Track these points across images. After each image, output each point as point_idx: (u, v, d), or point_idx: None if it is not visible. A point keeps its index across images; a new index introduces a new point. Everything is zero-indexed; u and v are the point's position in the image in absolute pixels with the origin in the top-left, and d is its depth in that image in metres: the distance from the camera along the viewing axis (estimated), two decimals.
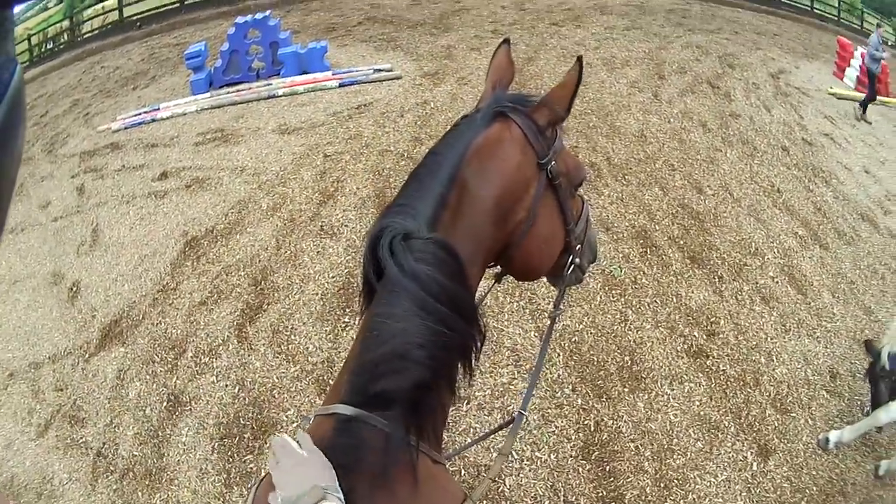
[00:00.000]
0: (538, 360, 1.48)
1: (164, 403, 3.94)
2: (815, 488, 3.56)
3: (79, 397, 4.20)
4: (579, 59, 1.26)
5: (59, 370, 4.44)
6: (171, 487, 3.49)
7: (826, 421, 3.97)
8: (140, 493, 3.51)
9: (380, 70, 8.07)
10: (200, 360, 4.16)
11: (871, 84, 9.92)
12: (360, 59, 8.88)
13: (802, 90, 9.78)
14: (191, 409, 3.87)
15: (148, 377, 4.15)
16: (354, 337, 1.06)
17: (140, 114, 8.25)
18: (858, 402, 4.17)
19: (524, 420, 1.39)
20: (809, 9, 17.45)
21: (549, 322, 1.50)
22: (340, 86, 7.82)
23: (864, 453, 3.89)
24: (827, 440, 3.70)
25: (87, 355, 4.48)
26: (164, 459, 3.64)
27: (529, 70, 7.94)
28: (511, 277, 1.43)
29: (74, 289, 5.15)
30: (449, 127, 1.22)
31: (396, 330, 0.97)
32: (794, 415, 3.94)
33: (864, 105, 9.67)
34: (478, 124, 1.15)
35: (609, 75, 7.92)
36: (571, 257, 1.38)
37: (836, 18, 17.70)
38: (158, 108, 8.20)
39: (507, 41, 1.37)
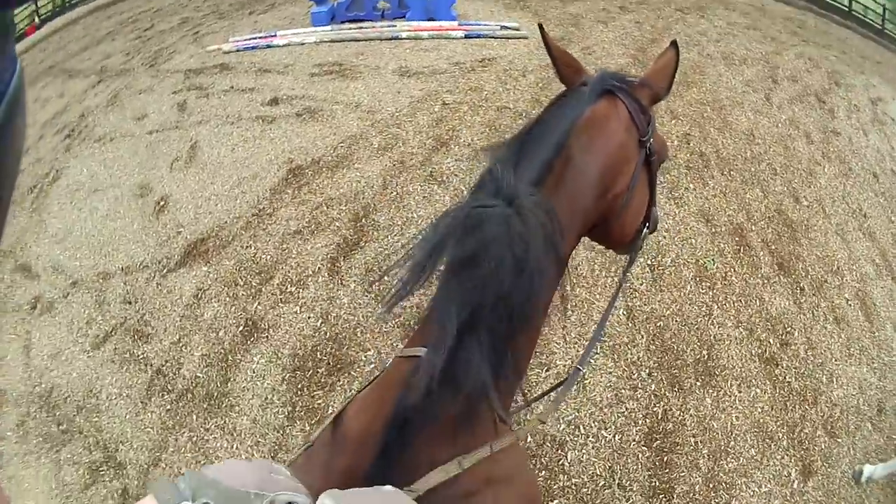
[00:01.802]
0: (602, 320, 1.25)
1: (241, 328, 3.33)
2: None
3: (148, 312, 3.59)
4: (674, 42, 1.19)
5: (132, 283, 3.81)
6: (229, 414, 2.96)
7: (865, 453, 3.36)
8: (195, 416, 3.00)
9: (507, 27, 6.86)
10: (287, 288, 3.50)
11: None
12: (488, 13, 7.76)
13: None
14: (267, 337, 3.27)
15: (228, 299, 3.51)
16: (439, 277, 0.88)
17: (255, 38, 7.00)
18: (895, 442, 3.50)
19: (581, 375, 1.26)
20: None
21: (618, 285, 1.29)
22: (466, 37, 6.60)
23: (889, 494, 3.29)
24: (861, 472, 3.17)
25: (165, 270, 3.82)
26: (229, 385, 3.09)
27: (652, 51, 6.70)
28: (609, 253, 1.28)
29: (162, 203, 4.38)
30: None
31: (486, 281, 0.82)
32: (839, 440, 3.31)
33: None
34: (586, 99, 1.01)
35: (727, 70, 6.71)
36: (646, 228, 1.21)
37: None
38: (275, 35, 6.98)
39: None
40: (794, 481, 3.00)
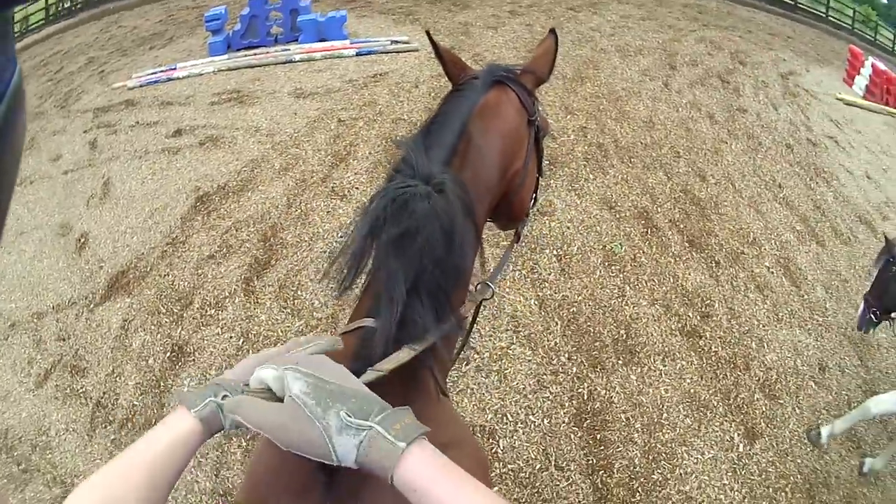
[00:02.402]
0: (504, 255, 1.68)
1: (168, 353, 3.98)
2: (799, 477, 3.61)
3: (81, 347, 4.22)
4: (552, 30, 1.50)
5: (63, 320, 4.46)
6: None
7: (813, 411, 4.03)
8: None
9: (397, 41, 8.17)
10: (206, 311, 4.21)
11: None
12: (378, 30, 8.98)
13: (811, 93, 9.80)
14: (194, 360, 3.91)
15: (153, 328, 4.19)
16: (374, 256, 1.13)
17: (156, 72, 8.28)
18: (846, 397, 4.24)
19: (490, 293, 1.47)
20: (824, 16, 17.48)
21: (510, 244, 1.68)
22: (357, 55, 7.92)
23: (850, 448, 3.94)
24: (819, 434, 3.72)
25: (91, 305, 4.50)
26: (165, 409, 3.66)
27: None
28: (515, 247, 1.72)
29: (82, 240, 5.17)
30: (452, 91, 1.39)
31: (422, 251, 1.06)
32: (781, 401, 4.00)
33: None
34: (479, 90, 1.30)
35: (622, 62, 7.96)
36: (535, 199, 1.59)
37: (849, 27, 17.72)
38: (175, 68, 8.26)
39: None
40: (738, 445, 3.60)
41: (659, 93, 7.20)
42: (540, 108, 1.46)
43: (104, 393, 3.87)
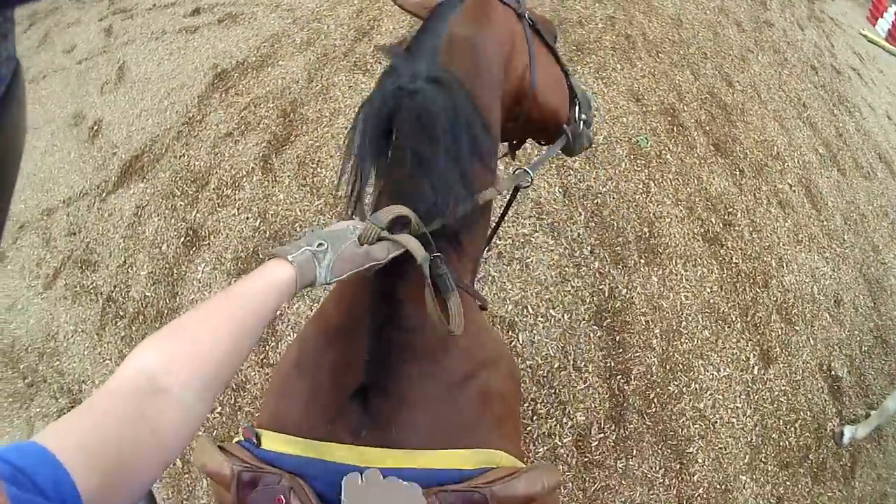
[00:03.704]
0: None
1: (182, 239, 3.92)
2: (809, 414, 3.70)
3: (92, 240, 4.16)
4: None
5: (74, 213, 4.39)
6: None
7: (826, 345, 4.12)
8: None
9: None
10: (223, 192, 4.15)
11: None
12: None
13: (836, 21, 9.82)
14: (209, 244, 3.85)
15: (167, 212, 4.13)
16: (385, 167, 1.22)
17: None
18: (858, 338, 4.34)
19: (529, 180, 1.56)
20: None
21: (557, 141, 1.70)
22: None
23: (859, 394, 4.07)
24: (842, 434, 3.75)
25: (104, 194, 4.44)
26: (178, 299, 3.63)
27: None
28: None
29: (95, 128, 5.08)
30: None
31: (431, 159, 1.14)
32: (797, 328, 4.07)
33: None
34: (454, 2, 1.36)
35: None
36: (579, 107, 1.69)
37: None
38: None
39: None
40: (753, 367, 3.68)
41: None
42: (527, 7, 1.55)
43: (115, 287, 3.83)
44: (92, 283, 3.89)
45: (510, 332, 3.28)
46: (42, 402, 3.47)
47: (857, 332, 4.36)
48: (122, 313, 3.67)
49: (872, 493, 3.68)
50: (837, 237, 4.99)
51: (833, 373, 4.00)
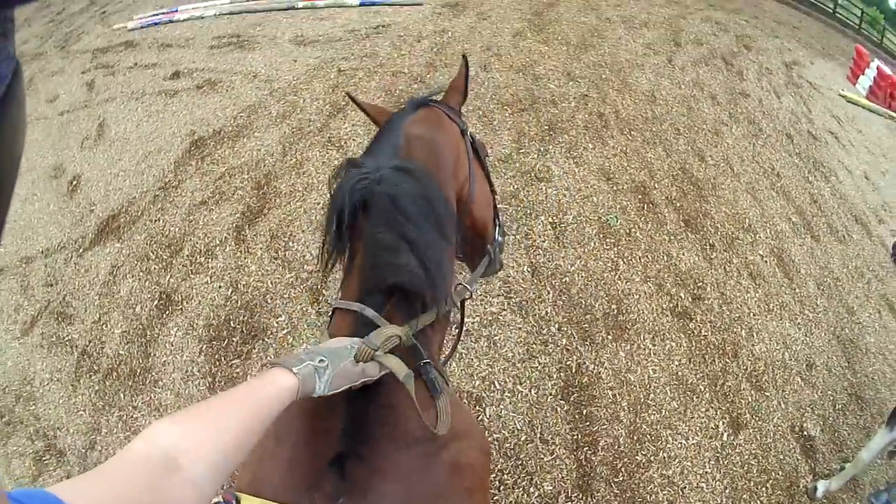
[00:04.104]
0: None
1: (156, 302, 4.09)
2: (780, 473, 3.79)
3: (69, 293, 4.32)
4: (464, 57, 1.77)
5: (52, 265, 4.57)
6: (154, 389, 3.64)
7: (798, 408, 4.23)
8: (122, 394, 3.66)
9: None
10: (196, 259, 4.32)
11: None
12: None
13: (814, 85, 10.11)
14: (182, 309, 4.01)
15: (141, 274, 4.29)
16: (354, 251, 1.33)
17: (158, 14, 8.67)
18: (831, 398, 4.46)
19: (469, 293, 1.63)
20: (832, 11, 17.91)
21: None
22: (361, 5, 8.25)
23: (833, 450, 4.17)
24: (815, 488, 3.83)
25: (81, 250, 4.61)
26: (150, 360, 3.78)
27: (549, 15, 8.28)
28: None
29: (74, 182, 5.29)
30: (460, 59, 1.74)
31: (390, 234, 1.25)
32: (767, 394, 4.19)
33: None
34: (408, 112, 1.53)
35: (626, 33, 8.18)
36: (499, 226, 1.86)
37: (856, 27, 18.17)
38: (177, 10, 8.64)
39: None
40: (722, 434, 3.77)
41: (662, 68, 7.41)
42: (471, 130, 1.72)
43: (90, 341, 3.98)
44: (68, 336, 4.04)
45: (477, 407, 3.43)
46: (18, 441, 3.60)
47: (830, 393, 4.49)
48: (96, 368, 3.82)
49: None
50: (810, 303, 5.13)
51: (805, 433, 4.11)
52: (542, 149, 5.30)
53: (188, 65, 6.79)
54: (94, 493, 0.64)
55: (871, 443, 3.70)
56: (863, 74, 12.85)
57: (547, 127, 5.56)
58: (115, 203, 4.92)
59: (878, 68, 12.76)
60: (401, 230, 1.25)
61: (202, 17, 8.30)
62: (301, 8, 8.28)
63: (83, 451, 3.51)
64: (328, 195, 1.37)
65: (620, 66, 7.02)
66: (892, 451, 4.13)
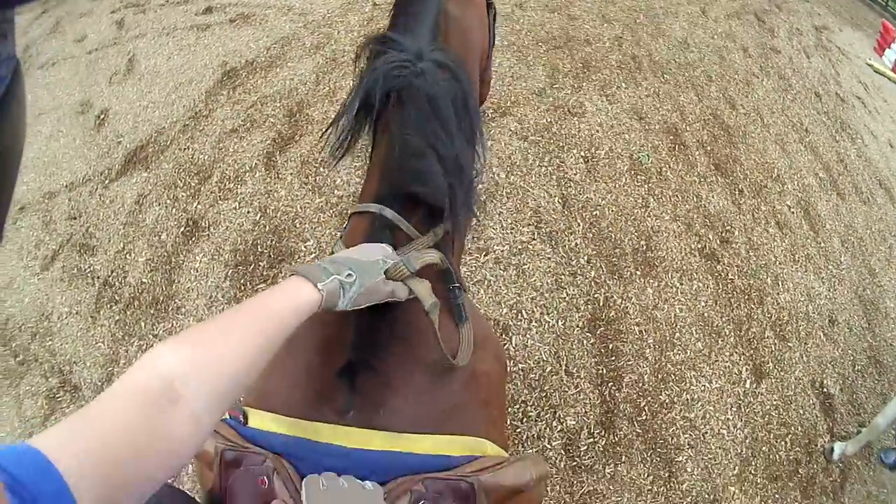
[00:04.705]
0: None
1: (182, 228, 3.96)
2: (800, 429, 3.68)
3: (92, 224, 4.18)
4: None
5: (75, 198, 4.41)
6: (176, 316, 3.50)
7: (819, 363, 4.11)
8: (143, 323, 3.52)
9: None
10: (225, 185, 4.19)
11: None
12: None
13: (842, 51, 9.81)
14: (208, 235, 3.89)
15: (168, 202, 4.16)
16: (377, 144, 1.24)
17: None
18: (851, 357, 4.33)
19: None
20: None
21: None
22: None
23: (850, 412, 4.05)
24: (832, 450, 3.74)
25: (106, 181, 4.46)
26: (174, 287, 3.66)
27: None
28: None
29: (102, 116, 5.11)
30: None
31: (420, 140, 1.13)
32: (790, 345, 4.06)
33: None
34: None
35: None
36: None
37: (883, 3, 17.64)
38: None
39: None
40: (745, 381, 3.67)
41: (696, 17, 7.18)
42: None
43: (112, 271, 3.85)
44: (89, 267, 3.92)
45: (504, 336, 3.29)
46: (32, 380, 3.48)
47: (850, 352, 4.34)
48: (117, 298, 3.69)
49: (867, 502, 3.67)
50: (834, 259, 4.98)
51: (825, 390, 3.97)
52: (575, 85, 5.11)
53: (221, 0, 6.57)
54: (80, 442, 0.57)
55: (887, 409, 3.58)
56: (889, 48, 12.48)
57: (581, 65, 5.36)
58: (144, 134, 4.78)
59: None
60: (433, 138, 1.13)
61: None
62: None
63: (99, 383, 3.39)
64: (356, 68, 1.23)
65: (655, 12, 6.81)
66: None
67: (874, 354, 4.49)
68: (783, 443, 3.57)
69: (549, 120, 4.61)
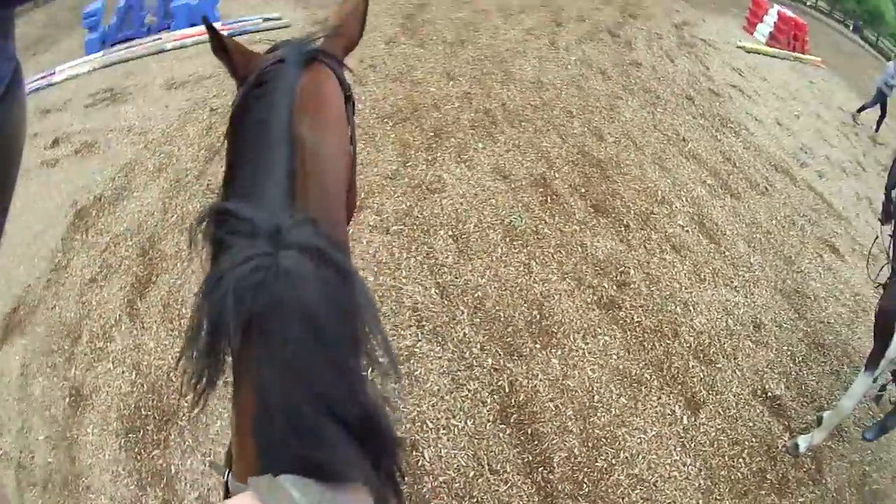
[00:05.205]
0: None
1: (67, 399, 4.01)
2: (754, 440, 3.94)
3: None
4: None
5: None
6: (88, 496, 3.54)
7: (755, 371, 4.41)
8: None
9: (269, 19, 9.03)
10: (95, 345, 4.27)
11: (884, 105, 11.65)
12: (250, 8, 9.66)
13: (709, 42, 10.75)
14: (92, 404, 3.95)
15: (48, 370, 4.23)
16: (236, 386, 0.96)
17: (36, 79, 8.79)
18: (789, 352, 4.66)
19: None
20: None
21: None
22: (230, 36, 8.40)
23: (803, 403, 4.35)
24: (796, 445, 3.98)
25: None
26: (77, 464, 3.70)
27: (421, 16, 8.60)
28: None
29: None
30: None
31: (299, 389, 0.87)
32: (719, 365, 4.35)
33: (878, 123, 11.63)
34: (290, 77, 1.21)
35: (504, 22, 8.60)
36: None
37: None
38: (54, 72, 8.90)
39: None
40: (681, 418, 3.89)
41: (546, 51, 7.73)
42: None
43: (21, 451, 3.90)
44: (1, 450, 3.94)
45: (414, 452, 3.40)
46: None
47: (785, 348, 4.70)
48: (33, 480, 3.72)
49: (850, 479, 3.95)
50: (743, 263, 5.39)
51: (769, 394, 4.28)
52: (429, 158, 5.42)
53: (66, 129, 6.86)
54: None
55: (852, 389, 3.82)
56: (761, 22, 13.71)
57: (432, 133, 5.70)
58: (15, 294, 4.86)
59: (778, 13, 13.67)
60: (317, 379, 0.87)
61: (77, 76, 8.58)
62: (170, 49, 8.64)
63: None
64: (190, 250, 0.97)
65: (501, 56, 7.30)
66: (879, 395, 4.37)
67: (813, 339, 4.88)
68: (741, 459, 3.81)
69: (408, 204, 4.86)
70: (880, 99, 11.57)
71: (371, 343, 0.95)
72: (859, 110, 11.65)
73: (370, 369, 0.97)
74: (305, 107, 1.17)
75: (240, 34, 8.52)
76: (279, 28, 8.57)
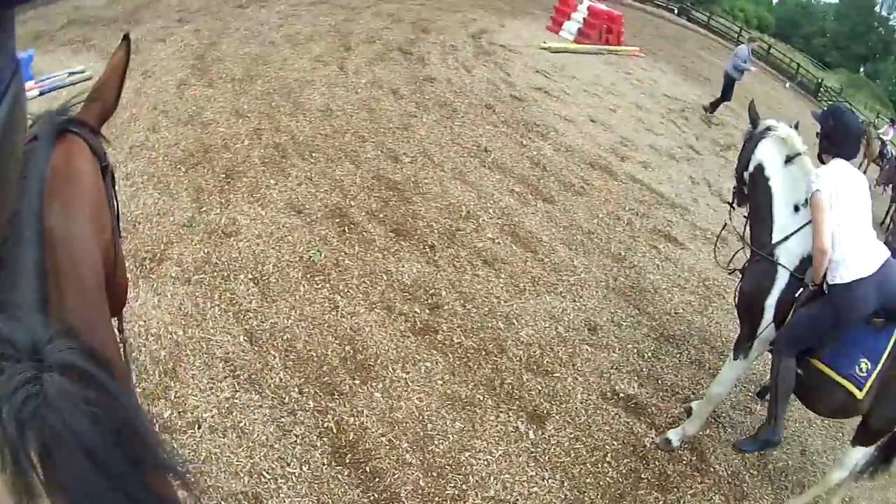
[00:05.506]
0: None
1: None
2: (615, 442, 4.14)
3: None
4: (126, 36, 1.54)
5: None
6: None
7: (600, 374, 4.63)
8: None
9: (74, 73, 8.80)
10: None
11: (729, 89, 12.43)
12: (58, 63, 9.22)
13: (508, 48, 11.32)
14: None
15: None
16: None
17: None
18: (634, 349, 4.94)
19: None
20: None
21: None
22: (41, 94, 8.12)
23: (664, 398, 4.60)
24: (668, 440, 4.18)
25: None
26: None
27: (211, 55, 8.66)
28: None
29: None
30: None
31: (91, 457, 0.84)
32: (557, 375, 4.54)
33: (714, 105, 12.34)
34: (42, 157, 1.20)
35: (292, 52, 8.82)
36: None
37: None
38: None
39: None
40: (527, 432, 4.03)
41: (335, 77, 7.99)
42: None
43: None
44: None
45: None
46: None
47: (630, 346, 4.97)
48: None
49: (745, 461, 4.26)
50: (566, 268, 5.69)
51: (621, 394, 4.49)
52: (223, 201, 5.44)
53: None
54: None
55: (721, 376, 4.05)
56: (568, 20, 14.51)
57: (224, 175, 5.73)
58: None
59: (588, 7, 14.55)
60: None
61: None
62: None
63: None
64: None
65: (290, 87, 7.48)
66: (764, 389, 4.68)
67: (661, 332, 5.21)
68: (606, 464, 3.99)
69: (206, 251, 4.85)
70: (727, 82, 12.42)
71: (154, 453, 0.94)
72: (713, 106, 12.53)
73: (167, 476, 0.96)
74: (57, 191, 1.16)
75: (49, 91, 8.19)
76: (82, 81, 8.31)
